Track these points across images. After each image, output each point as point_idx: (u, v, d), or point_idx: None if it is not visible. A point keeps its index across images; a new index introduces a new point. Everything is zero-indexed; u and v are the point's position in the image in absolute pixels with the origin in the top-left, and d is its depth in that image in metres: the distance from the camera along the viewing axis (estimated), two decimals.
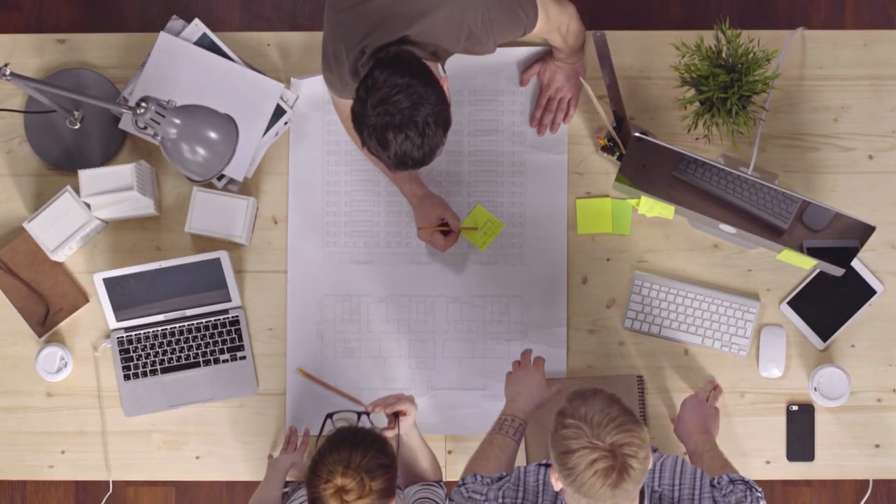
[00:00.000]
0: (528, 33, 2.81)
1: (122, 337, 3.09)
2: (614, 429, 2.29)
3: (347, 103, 2.99)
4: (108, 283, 3.06)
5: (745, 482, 2.61)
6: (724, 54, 2.83)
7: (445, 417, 3.09)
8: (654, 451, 2.86)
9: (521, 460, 3.04)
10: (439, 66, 2.74)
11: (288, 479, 2.96)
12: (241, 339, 3.09)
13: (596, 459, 2.28)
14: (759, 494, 2.59)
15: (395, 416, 2.79)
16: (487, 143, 3.13)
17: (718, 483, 2.57)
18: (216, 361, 3.09)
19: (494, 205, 3.12)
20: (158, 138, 2.73)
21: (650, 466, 2.37)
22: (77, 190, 3.04)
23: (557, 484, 2.37)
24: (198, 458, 3.10)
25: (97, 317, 3.12)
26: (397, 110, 2.53)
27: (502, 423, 2.83)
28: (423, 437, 2.85)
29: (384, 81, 2.53)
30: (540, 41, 3.06)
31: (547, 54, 3.10)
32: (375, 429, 2.59)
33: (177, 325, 3.09)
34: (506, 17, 2.71)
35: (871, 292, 3.06)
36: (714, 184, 2.82)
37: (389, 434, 2.77)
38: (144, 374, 3.08)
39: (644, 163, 2.85)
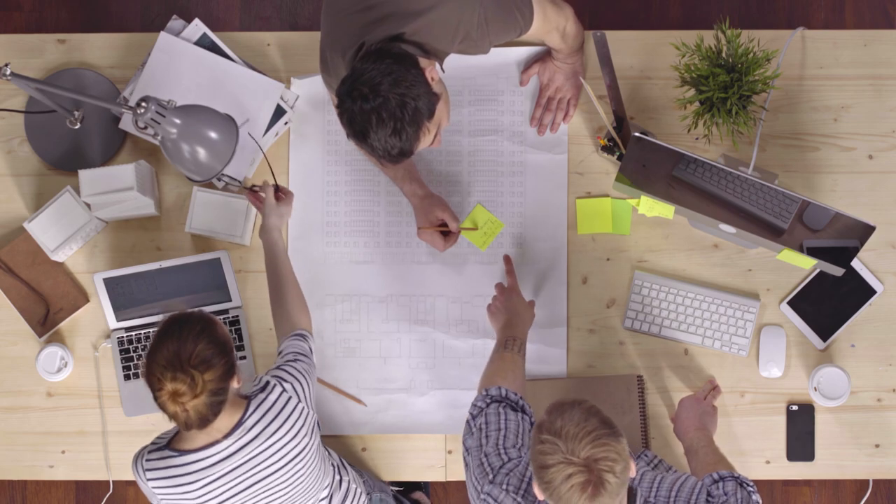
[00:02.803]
0: (525, 34, 2.80)
1: (123, 337, 3.09)
2: (589, 443, 2.29)
3: None
4: (109, 283, 3.06)
5: (734, 478, 2.60)
6: (724, 54, 2.83)
7: (445, 417, 3.09)
8: (659, 463, 2.86)
9: None
10: (437, 64, 2.74)
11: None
12: (241, 338, 3.09)
13: (572, 474, 2.28)
14: (751, 489, 2.59)
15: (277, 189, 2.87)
16: (487, 143, 3.13)
17: (712, 497, 2.56)
18: None
19: (494, 205, 3.12)
20: (158, 138, 2.73)
21: (632, 475, 2.37)
22: (77, 190, 3.04)
23: (540, 494, 2.37)
24: None
25: (97, 317, 3.12)
26: (368, 89, 2.52)
27: (505, 344, 2.84)
28: (289, 261, 2.87)
29: (359, 69, 2.54)
30: (539, 41, 3.06)
31: (546, 54, 3.10)
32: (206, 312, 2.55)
33: None
34: (502, 19, 2.71)
35: (871, 292, 3.06)
36: (714, 184, 2.82)
37: (252, 194, 2.83)
38: None
39: (644, 163, 2.85)
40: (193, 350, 2.47)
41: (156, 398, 2.49)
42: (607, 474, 2.29)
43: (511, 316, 2.94)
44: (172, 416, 2.50)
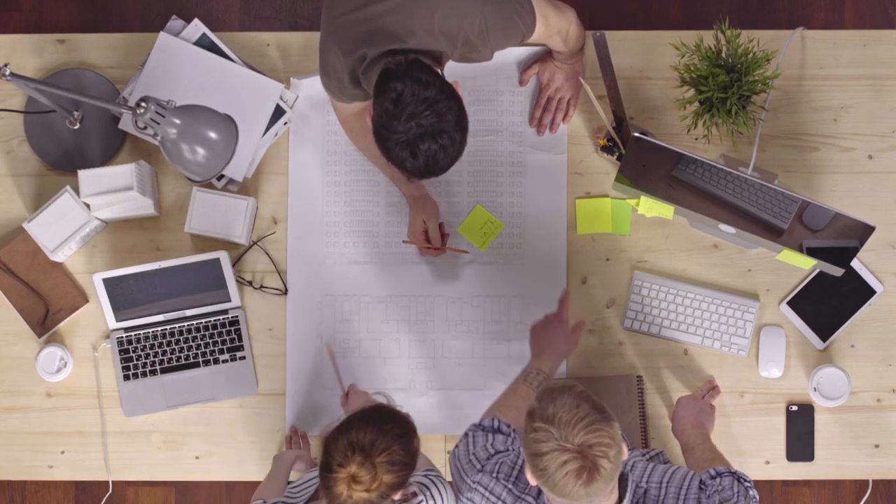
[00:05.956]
0: (527, 40, 2.80)
1: (122, 337, 3.09)
2: (582, 429, 2.29)
3: (346, 106, 3.00)
4: (108, 283, 3.06)
5: (731, 473, 2.60)
6: (723, 54, 2.83)
7: (445, 417, 3.09)
8: (656, 454, 2.86)
9: None
10: (440, 70, 2.74)
11: (294, 473, 2.96)
12: (240, 339, 3.09)
13: (566, 461, 2.29)
14: (748, 484, 2.59)
15: None
16: (487, 143, 3.13)
17: (705, 484, 2.56)
18: (216, 361, 3.09)
19: (494, 205, 3.12)
20: (158, 138, 2.73)
21: (625, 458, 2.38)
22: (77, 190, 3.04)
23: (533, 480, 2.37)
24: (197, 458, 3.10)
25: (97, 317, 3.12)
26: (429, 124, 2.55)
27: (527, 375, 2.84)
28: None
29: (412, 96, 2.54)
30: (540, 44, 3.06)
31: (546, 54, 3.10)
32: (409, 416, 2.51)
33: (176, 326, 3.09)
34: (503, 26, 2.71)
35: (871, 292, 3.06)
36: (714, 184, 2.82)
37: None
38: (144, 375, 3.08)
39: (644, 163, 2.85)
40: (389, 448, 2.41)
41: (329, 469, 2.41)
42: (602, 459, 2.29)
43: (547, 345, 2.91)
44: (333, 496, 2.42)
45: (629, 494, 2.46)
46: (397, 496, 2.47)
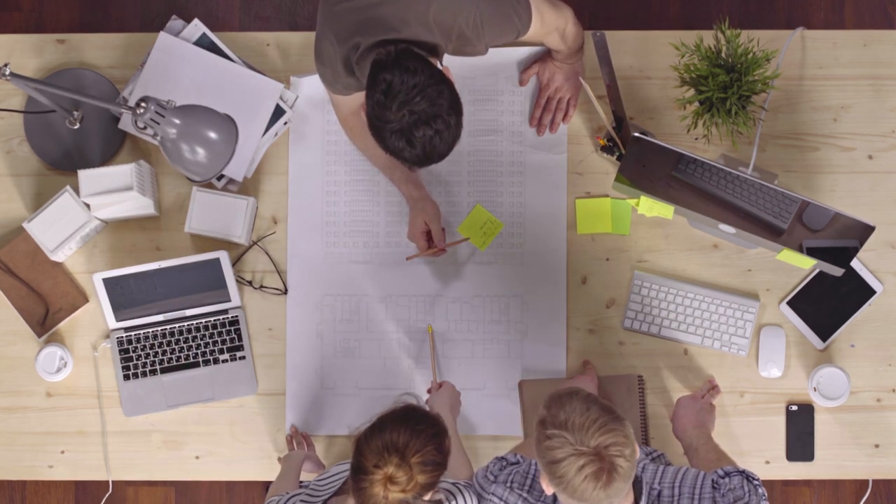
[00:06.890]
0: (522, 37, 2.81)
1: (122, 337, 3.09)
2: (597, 430, 2.30)
3: (345, 104, 3.00)
4: (108, 283, 3.06)
5: (739, 472, 2.61)
6: (723, 54, 2.83)
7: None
8: (658, 456, 2.87)
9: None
10: (437, 62, 2.74)
11: (304, 474, 2.95)
12: (240, 339, 3.09)
13: (584, 465, 2.29)
14: (756, 482, 2.59)
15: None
16: (487, 143, 3.13)
17: (717, 484, 2.57)
18: (216, 361, 3.09)
19: (494, 205, 3.12)
20: (158, 138, 2.73)
21: (638, 457, 2.38)
22: (77, 190, 3.04)
23: (549, 489, 2.37)
24: (197, 458, 3.10)
25: (97, 317, 3.12)
26: (421, 110, 2.56)
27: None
28: (460, 440, 2.86)
29: (401, 84, 2.55)
30: (538, 42, 3.06)
31: (546, 54, 3.10)
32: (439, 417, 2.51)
33: (176, 325, 3.09)
34: (498, 20, 2.71)
35: (871, 292, 3.06)
36: (714, 184, 2.82)
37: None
38: (144, 375, 3.08)
39: (644, 163, 2.85)
40: (422, 449, 2.41)
41: (364, 470, 2.40)
42: (618, 459, 2.30)
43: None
44: (368, 496, 2.41)
45: (644, 496, 2.46)
46: (428, 496, 2.48)
